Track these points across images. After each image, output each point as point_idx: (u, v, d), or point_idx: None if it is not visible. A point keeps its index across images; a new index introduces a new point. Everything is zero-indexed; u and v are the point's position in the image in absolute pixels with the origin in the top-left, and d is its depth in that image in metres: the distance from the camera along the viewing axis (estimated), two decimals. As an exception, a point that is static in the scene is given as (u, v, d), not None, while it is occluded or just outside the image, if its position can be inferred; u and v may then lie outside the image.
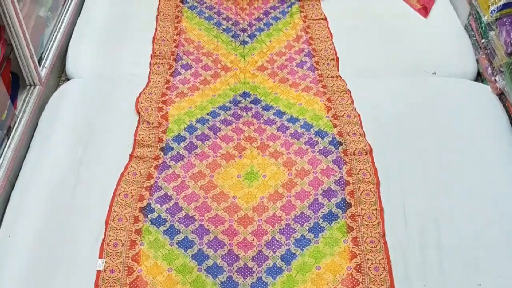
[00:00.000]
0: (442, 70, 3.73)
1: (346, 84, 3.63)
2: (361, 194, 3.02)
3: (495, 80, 3.50)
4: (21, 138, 3.24)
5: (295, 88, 3.64)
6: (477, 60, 3.81)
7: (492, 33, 3.53)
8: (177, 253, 2.80)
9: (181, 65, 3.82)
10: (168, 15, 4.21)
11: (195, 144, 3.30)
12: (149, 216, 2.94)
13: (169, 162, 3.20)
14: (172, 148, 3.27)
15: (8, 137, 3.20)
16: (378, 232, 2.86)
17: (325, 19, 4.17)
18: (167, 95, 3.60)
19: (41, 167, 3.14)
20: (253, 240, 2.85)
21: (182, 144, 3.29)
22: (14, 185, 3.06)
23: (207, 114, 3.48)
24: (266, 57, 3.89)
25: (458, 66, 3.78)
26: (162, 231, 2.88)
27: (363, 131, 3.33)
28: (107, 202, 2.98)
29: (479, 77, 3.79)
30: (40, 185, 3.05)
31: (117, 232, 2.87)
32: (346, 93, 3.57)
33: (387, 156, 3.21)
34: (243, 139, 3.33)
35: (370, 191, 3.03)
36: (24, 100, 3.44)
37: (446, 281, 2.68)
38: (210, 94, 3.62)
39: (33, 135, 3.34)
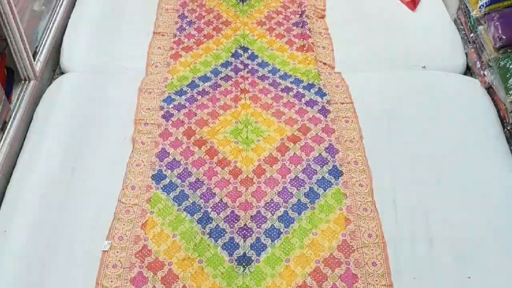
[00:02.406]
0: (432, 64, 3.76)
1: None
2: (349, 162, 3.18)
3: (484, 74, 3.52)
4: (16, 133, 3.25)
5: (289, 46, 3.88)
6: (466, 54, 3.83)
7: (480, 27, 3.56)
8: (183, 218, 2.92)
9: (186, 22, 4.06)
10: None
11: (196, 97, 3.52)
12: (161, 182, 3.07)
13: (170, 129, 3.33)
14: (173, 115, 3.42)
15: (3, 132, 3.21)
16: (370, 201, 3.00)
17: None
18: (173, 49, 3.83)
19: (36, 161, 3.15)
20: (253, 201, 2.97)
21: (184, 97, 3.52)
22: (9, 180, 3.07)
23: (210, 72, 3.70)
24: (265, 13, 4.12)
25: (447, 60, 3.81)
26: (172, 197, 3.01)
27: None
28: (102, 195, 3.01)
29: (468, 71, 3.81)
30: (36, 179, 3.06)
31: (130, 200, 2.99)
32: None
33: (376, 150, 3.25)
34: (239, 91, 3.55)
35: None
36: (19, 94, 3.45)
37: (436, 274, 2.73)
38: (213, 47, 3.86)
39: (28, 130, 3.35)
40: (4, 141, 3.17)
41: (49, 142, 3.25)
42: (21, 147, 3.26)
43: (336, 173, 3.11)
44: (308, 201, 2.99)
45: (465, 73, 3.79)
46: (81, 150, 3.22)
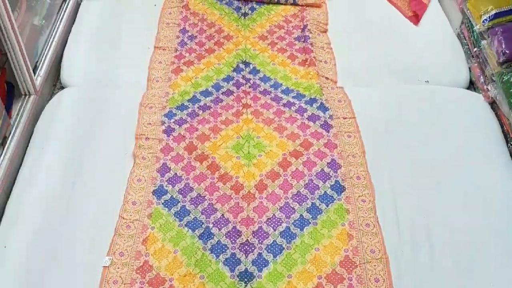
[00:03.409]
0: (435, 78, 3.76)
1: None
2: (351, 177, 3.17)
3: (487, 89, 3.52)
4: (16, 148, 3.23)
5: (291, 60, 3.86)
6: (469, 68, 3.83)
7: (484, 42, 3.56)
8: (185, 233, 2.89)
9: (187, 37, 4.04)
10: None
11: (197, 112, 3.50)
12: (162, 198, 3.05)
13: (171, 144, 3.31)
14: (174, 129, 3.39)
15: (3, 147, 3.19)
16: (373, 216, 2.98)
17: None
18: (175, 63, 3.81)
19: (37, 176, 3.12)
20: (254, 217, 2.95)
21: (185, 112, 3.50)
22: (9, 195, 3.05)
23: (211, 86, 3.68)
24: (267, 27, 4.11)
25: (450, 75, 3.80)
26: (173, 213, 2.98)
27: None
28: (102, 210, 3.00)
29: (471, 85, 3.81)
30: (36, 195, 3.04)
31: (131, 215, 2.97)
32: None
33: (379, 162, 3.25)
34: (241, 106, 3.53)
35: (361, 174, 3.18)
36: (19, 109, 3.43)
37: (437, 278, 2.74)
38: (215, 62, 3.85)
39: (28, 145, 3.33)
40: (4, 156, 3.16)
41: (49, 157, 3.23)
42: (21, 162, 3.24)
43: (339, 188, 3.09)
44: (311, 216, 2.97)
45: (468, 88, 3.79)
46: (82, 165, 3.20)
